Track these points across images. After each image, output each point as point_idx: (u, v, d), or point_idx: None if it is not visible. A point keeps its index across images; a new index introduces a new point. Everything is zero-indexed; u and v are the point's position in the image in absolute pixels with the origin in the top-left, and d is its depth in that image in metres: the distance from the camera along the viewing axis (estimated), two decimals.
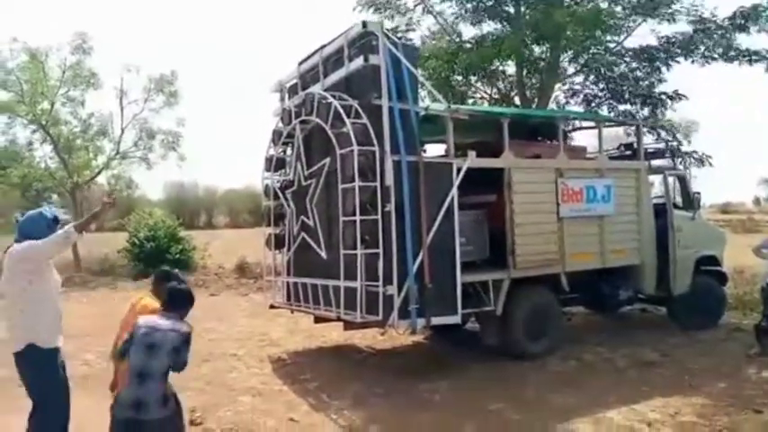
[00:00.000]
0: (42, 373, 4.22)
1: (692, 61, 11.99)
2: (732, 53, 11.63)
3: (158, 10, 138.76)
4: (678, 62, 12.20)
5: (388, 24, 12.95)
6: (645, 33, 12.70)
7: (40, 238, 4.18)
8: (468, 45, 12.50)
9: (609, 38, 12.03)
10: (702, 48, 11.73)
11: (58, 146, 20.75)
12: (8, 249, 4.24)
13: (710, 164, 12.37)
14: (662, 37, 12.29)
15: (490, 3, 12.34)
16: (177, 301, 3.96)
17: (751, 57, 11.61)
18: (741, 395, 6.19)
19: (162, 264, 12.27)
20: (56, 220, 4.42)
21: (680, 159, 12.06)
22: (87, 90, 21.21)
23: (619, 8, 11.75)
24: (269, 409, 6.09)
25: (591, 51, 11.90)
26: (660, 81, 12.49)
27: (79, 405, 4.54)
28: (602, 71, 12.47)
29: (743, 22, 11.39)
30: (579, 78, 13.30)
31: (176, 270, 4.76)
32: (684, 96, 12.50)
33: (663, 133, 12.72)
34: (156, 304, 4.16)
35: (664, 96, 12.45)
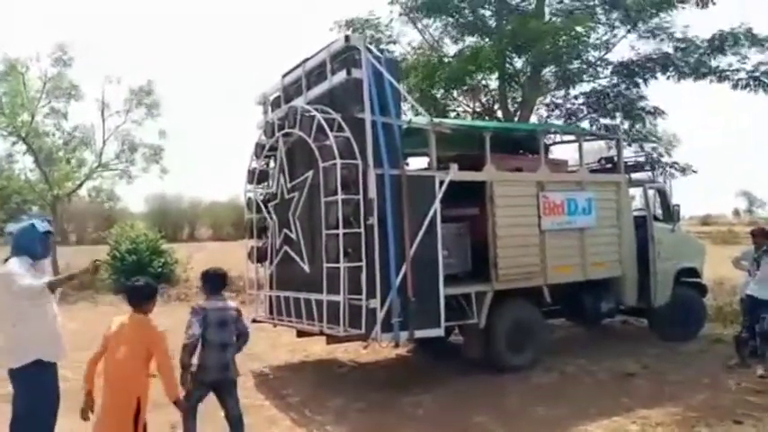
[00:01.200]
0: (41, 388, 4.21)
1: (668, 77, 12.21)
2: (703, 70, 11.88)
3: (141, 20, 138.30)
4: (656, 78, 12.43)
5: (370, 38, 13.05)
6: (625, 50, 12.94)
7: (32, 251, 4.32)
8: (448, 59, 12.61)
9: (590, 51, 12.19)
10: (677, 64, 11.96)
11: (39, 158, 20.51)
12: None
13: (694, 171, 12.62)
14: (641, 54, 12.52)
15: (470, 17, 12.49)
16: (216, 285, 5.05)
17: (720, 74, 11.89)
18: (721, 406, 6.24)
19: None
20: (47, 234, 4.42)
21: (661, 170, 12.25)
22: (69, 102, 21.05)
23: (600, 20, 11.94)
24: (250, 424, 5.97)
25: (571, 65, 12.04)
26: (641, 98, 12.70)
27: (59, 424, 4.45)
28: (582, 78, 12.63)
29: (720, 44, 11.63)
30: (561, 92, 13.49)
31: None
32: (664, 112, 12.75)
33: (645, 146, 12.93)
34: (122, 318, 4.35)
35: (643, 112, 12.65)
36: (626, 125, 12.91)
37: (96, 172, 21.78)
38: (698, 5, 11.67)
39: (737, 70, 11.78)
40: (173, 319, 5.85)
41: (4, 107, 19.68)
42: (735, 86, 11.87)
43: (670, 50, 12.16)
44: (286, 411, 6.43)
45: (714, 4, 11.67)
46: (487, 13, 12.71)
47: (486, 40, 12.34)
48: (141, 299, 4.28)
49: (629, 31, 12.31)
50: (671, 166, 12.63)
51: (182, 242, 39.59)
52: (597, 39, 12.06)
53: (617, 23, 12.21)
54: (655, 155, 12.79)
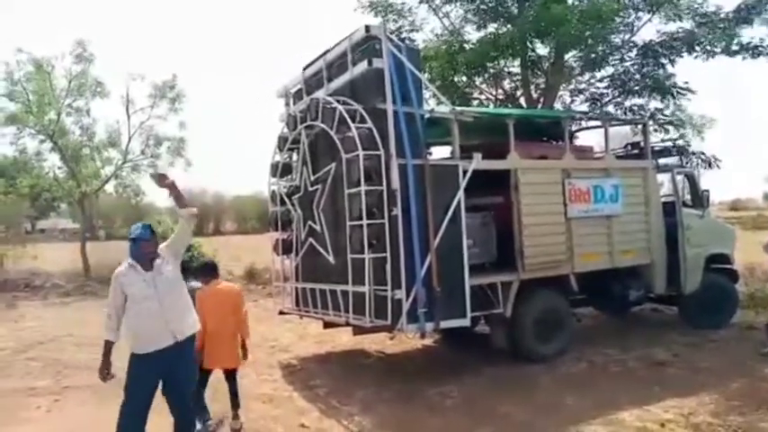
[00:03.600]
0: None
1: (696, 56, 11.87)
2: (734, 47, 11.50)
3: (168, 16, 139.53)
4: (682, 56, 12.10)
5: (392, 26, 12.97)
6: (650, 33, 12.63)
7: (130, 254, 4.54)
8: (468, 46, 12.46)
9: (613, 35, 11.92)
10: (704, 42, 11.62)
11: (66, 155, 20.89)
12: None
13: (718, 166, 12.27)
14: (664, 33, 12.21)
15: (492, 3, 12.32)
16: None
17: (753, 50, 11.50)
18: (755, 394, 6.13)
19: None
20: (134, 240, 4.50)
21: (687, 160, 11.95)
22: (93, 99, 21.36)
23: (620, 3, 11.68)
24: (279, 415, 6.09)
25: (595, 49, 11.81)
26: (668, 77, 12.36)
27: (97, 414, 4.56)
28: (609, 61, 12.36)
29: (746, 15, 11.30)
30: (585, 77, 13.25)
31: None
32: (692, 91, 12.37)
33: (671, 130, 12.64)
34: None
35: (673, 88, 12.32)
36: (652, 105, 12.64)
37: (123, 169, 22.10)
38: None
39: None
40: None
41: (32, 106, 20.07)
42: None
43: (693, 28, 11.78)
44: (314, 402, 6.48)
45: None
46: None
47: (509, 26, 12.15)
48: (214, 270, 5.86)
49: (652, 13, 12.00)
50: (696, 155, 12.32)
51: (207, 236, 40.02)
52: (620, 22, 11.78)
53: (641, 5, 11.91)
54: (682, 141, 12.49)
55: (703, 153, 12.30)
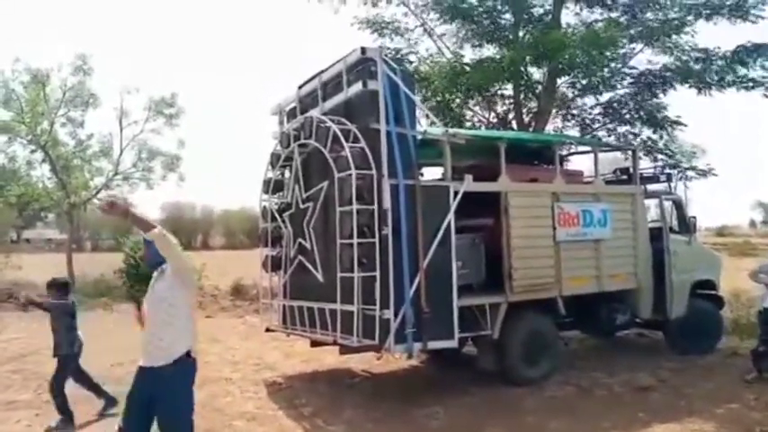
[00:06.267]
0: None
1: (689, 86, 12.09)
2: (729, 79, 11.69)
3: (161, 31, 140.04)
4: (675, 89, 12.34)
5: (389, 44, 13.14)
6: (643, 63, 12.82)
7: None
8: (469, 67, 12.60)
9: (607, 63, 12.14)
10: (698, 75, 11.84)
11: (57, 166, 20.79)
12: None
13: (714, 174, 12.50)
14: (658, 65, 12.45)
15: (489, 27, 12.50)
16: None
17: (747, 84, 11.69)
18: (739, 421, 6.16)
19: None
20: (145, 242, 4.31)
21: (681, 175, 12.11)
22: (87, 111, 21.38)
23: (619, 31, 11.91)
24: None
25: (594, 76, 11.99)
26: (660, 108, 12.57)
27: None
28: (601, 90, 12.56)
29: (745, 56, 11.49)
30: (577, 102, 13.45)
31: None
32: (684, 124, 12.61)
33: (660, 158, 12.82)
34: None
35: (664, 121, 12.54)
36: (644, 134, 12.84)
37: (114, 181, 22.05)
38: (730, 19, 11.47)
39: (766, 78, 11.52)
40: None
41: (24, 116, 20.02)
42: (766, 95, 11.63)
43: (689, 63, 12.00)
44: (299, 421, 6.42)
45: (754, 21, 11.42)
46: (505, 21, 12.70)
47: (504, 49, 12.32)
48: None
49: (646, 46, 12.23)
50: (691, 169, 12.50)
51: (195, 250, 39.79)
52: (615, 51, 12.01)
53: (635, 37, 12.13)
54: (673, 161, 12.69)
55: (696, 166, 12.53)
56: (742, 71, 11.65)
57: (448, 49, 13.38)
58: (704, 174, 12.50)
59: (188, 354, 4.05)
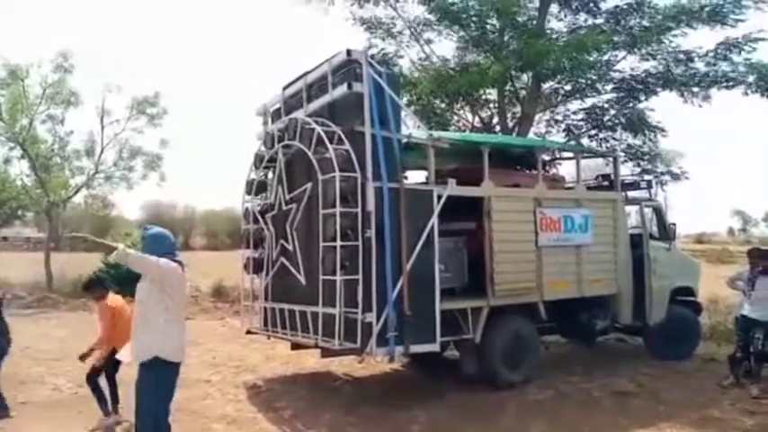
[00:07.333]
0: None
1: (671, 89, 12.23)
2: (710, 77, 11.79)
3: (144, 30, 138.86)
4: (657, 95, 12.50)
5: (380, 44, 13.18)
6: (626, 69, 12.96)
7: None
8: (455, 72, 12.63)
9: (591, 66, 12.23)
10: (678, 80, 11.97)
11: (36, 164, 20.47)
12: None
13: (687, 177, 12.76)
14: (639, 71, 12.59)
15: (475, 33, 12.57)
16: None
17: (728, 83, 11.80)
18: (716, 426, 6.24)
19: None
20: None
21: (656, 179, 12.28)
22: (68, 109, 21.06)
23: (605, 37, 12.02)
24: None
25: (578, 81, 12.10)
26: (641, 115, 12.72)
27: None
28: (586, 93, 12.68)
29: (727, 52, 11.61)
30: (561, 108, 13.57)
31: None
32: (664, 130, 12.80)
33: (641, 163, 12.99)
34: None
35: (644, 126, 12.70)
36: (627, 140, 12.98)
37: (95, 180, 21.75)
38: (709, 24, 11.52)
39: (747, 74, 11.59)
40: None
41: (3, 113, 19.67)
42: (746, 93, 11.75)
43: (670, 66, 12.14)
44: (279, 424, 6.38)
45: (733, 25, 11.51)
46: (490, 27, 12.77)
47: (489, 55, 12.39)
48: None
49: (629, 53, 12.38)
50: (664, 174, 12.71)
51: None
52: (599, 56, 12.12)
53: (619, 44, 12.26)
54: (652, 165, 12.88)
55: (670, 170, 12.73)
56: (724, 67, 11.77)
57: (434, 53, 13.45)
58: (677, 177, 12.70)
59: (157, 359, 4.29)
